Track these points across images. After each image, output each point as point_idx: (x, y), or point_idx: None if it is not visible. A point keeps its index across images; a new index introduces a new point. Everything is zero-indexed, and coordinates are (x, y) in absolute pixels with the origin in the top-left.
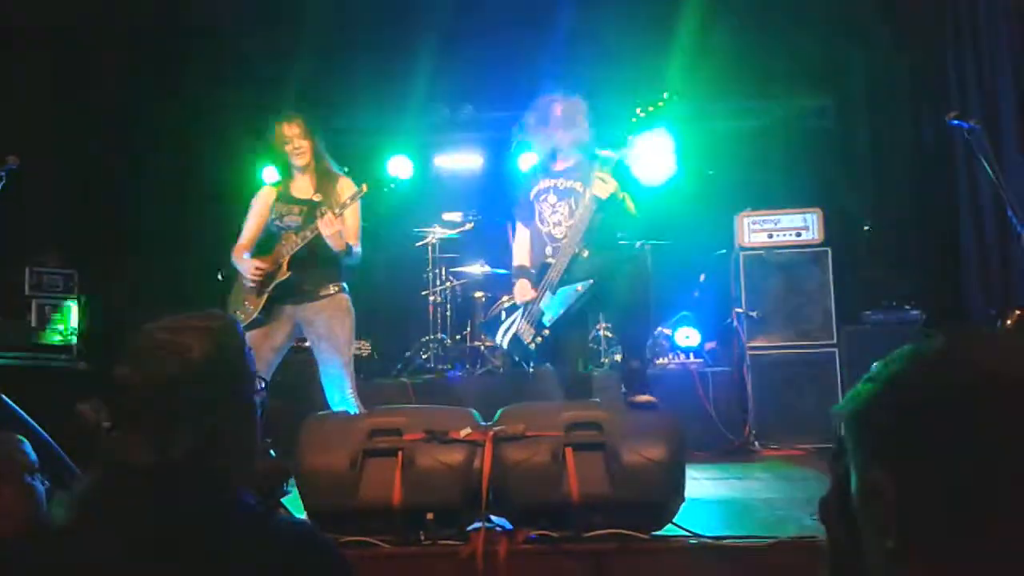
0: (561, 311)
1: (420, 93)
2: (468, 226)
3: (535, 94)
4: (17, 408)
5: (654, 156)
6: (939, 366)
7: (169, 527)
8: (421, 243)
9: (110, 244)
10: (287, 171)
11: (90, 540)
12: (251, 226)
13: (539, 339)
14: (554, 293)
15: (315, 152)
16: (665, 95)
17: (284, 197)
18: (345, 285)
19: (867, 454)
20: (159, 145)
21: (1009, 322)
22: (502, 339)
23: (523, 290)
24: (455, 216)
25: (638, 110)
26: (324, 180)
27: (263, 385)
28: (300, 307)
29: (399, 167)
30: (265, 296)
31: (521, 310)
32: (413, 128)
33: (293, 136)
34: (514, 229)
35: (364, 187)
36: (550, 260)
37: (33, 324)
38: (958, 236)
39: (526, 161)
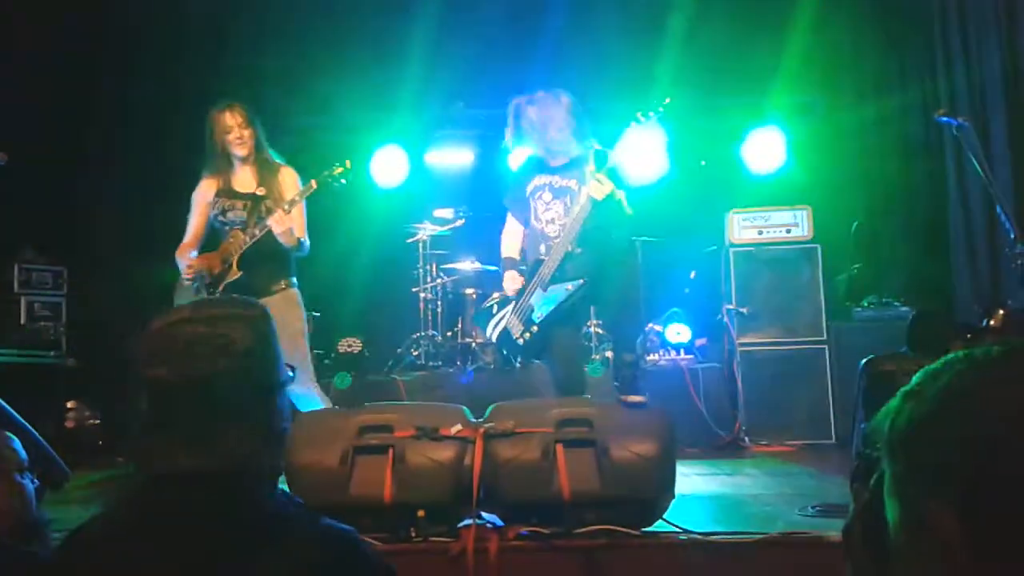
0: (551, 308)
1: (411, 89)
2: (459, 223)
3: (525, 90)
4: (6, 406)
5: (646, 154)
6: (1012, 387)
7: (217, 536)
8: (412, 240)
9: (99, 241)
10: (227, 163)
11: (133, 552)
12: (195, 224)
13: (528, 335)
14: (545, 290)
15: (256, 142)
16: (667, 100)
17: (226, 191)
18: (295, 280)
19: (921, 485)
20: (147, 139)
21: (993, 322)
22: (492, 331)
23: (512, 280)
24: (446, 213)
25: (639, 115)
26: (265, 171)
27: (291, 373)
28: None
29: (391, 166)
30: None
31: (512, 305)
32: (404, 124)
33: (235, 125)
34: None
35: (313, 184)
36: (543, 258)
37: (22, 321)
38: (947, 232)
39: (517, 158)
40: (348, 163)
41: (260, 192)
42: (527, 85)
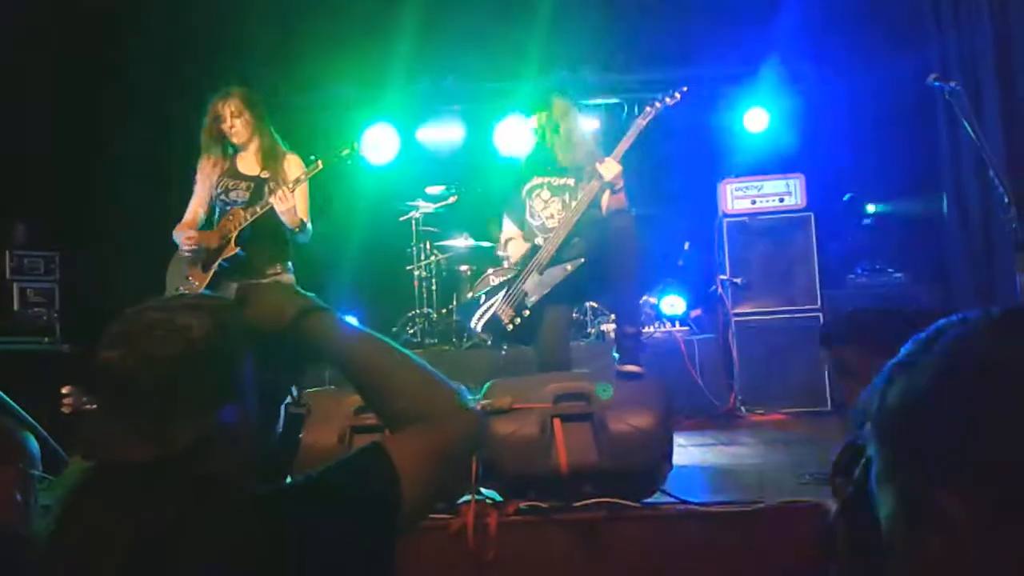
0: (545, 292)
1: (401, 65)
2: (452, 199)
3: (517, 64)
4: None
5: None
6: (1014, 354)
7: (167, 528)
8: (404, 217)
9: (91, 226)
10: (229, 147)
11: (77, 545)
12: (196, 204)
13: (518, 319)
14: (541, 274)
15: (258, 129)
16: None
17: (231, 172)
18: (291, 265)
19: (921, 472)
20: (140, 121)
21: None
22: (477, 323)
23: (519, 247)
24: (438, 190)
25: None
26: (270, 158)
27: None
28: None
29: (382, 143)
30: (211, 272)
31: (503, 292)
32: (394, 100)
33: (228, 115)
34: (501, 224)
35: (319, 164)
36: (540, 243)
37: (15, 307)
38: (940, 198)
39: (504, 141)
40: (355, 144)
41: (264, 175)
42: (518, 59)
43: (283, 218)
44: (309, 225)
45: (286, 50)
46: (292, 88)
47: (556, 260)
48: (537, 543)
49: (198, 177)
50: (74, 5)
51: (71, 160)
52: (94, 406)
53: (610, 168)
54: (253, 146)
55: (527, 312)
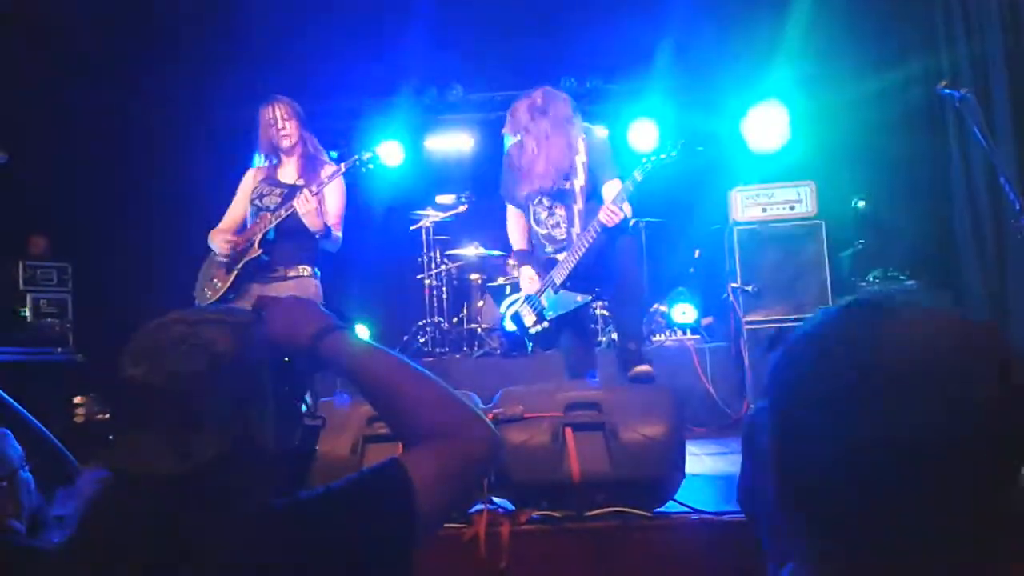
0: (561, 312)
1: (408, 75)
2: (461, 208)
3: (524, 73)
4: (13, 402)
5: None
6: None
7: (191, 541)
8: (415, 227)
9: (104, 236)
10: (274, 156)
11: (98, 555)
12: (233, 211)
13: (539, 327)
14: (556, 292)
15: (301, 136)
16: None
17: (268, 179)
18: (317, 270)
19: (769, 401)
20: (153, 133)
21: None
22: (506, 309)
23: (531, 281)
24: (448, 199)
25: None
26: (309, 166)
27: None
28: (267, 287)
29: (388, 152)
30: (235, 273)
31: (524, 296)
32: (402, 111)
33: (279, 117)
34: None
35: (343, 166)
36: (555, 256)
37: (29, 318)
38: (951, 205)
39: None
40: (377, 150)
41: (300, 183)
42: (525, 69)
43: (305, 220)
44: (337, 232)
45: (294, 59)
46: (301, 97)
47: (568, 285)
48: (549, 552)
49: (241, 185)
50: (87, 19)
51: (84, 171)
52: (108, 416)
53: (614, 219)
54: (297, 152)
55: (546, 324)
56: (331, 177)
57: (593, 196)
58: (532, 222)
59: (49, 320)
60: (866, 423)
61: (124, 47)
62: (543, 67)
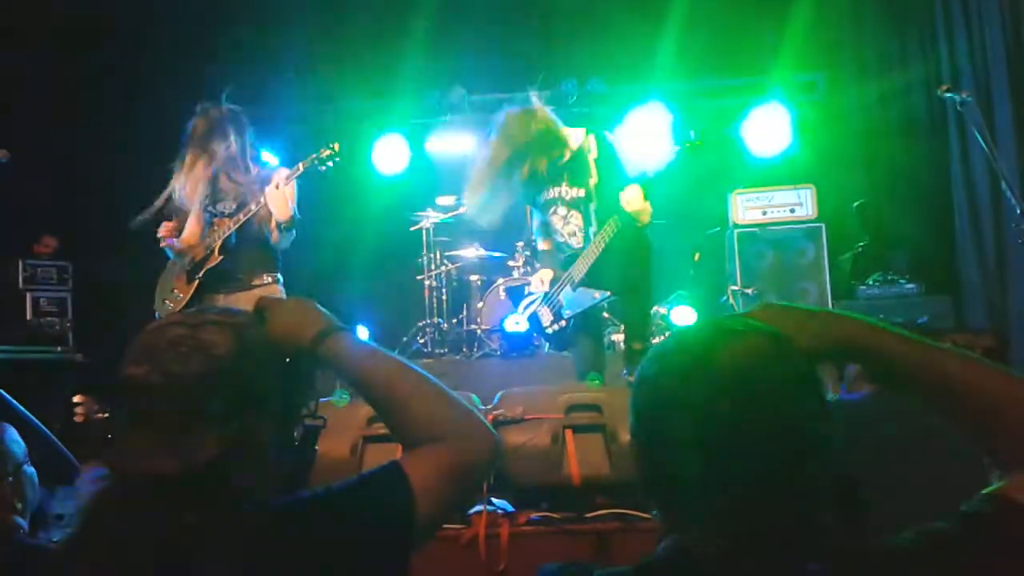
0: (578, 310)
1: (410, 76)
2: (462, 209)
3: (525, 75)
4: (12, 400)
5: (648, 137)
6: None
7: (191, 541)
8: (415, 228)
9: (104, 236)
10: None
11: (100, 555)
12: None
13: (556, 327)
14: (574, 290)
15: (241, 145)
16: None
17: (216, 184)
18: (280, 276)
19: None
20: (152, 131)
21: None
22: (524, 310)
23: (541, 280)
24: (449, 200)
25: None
26: (256, 173)
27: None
28: (231, 297)
29: (390, 157)
30: (196, 283)
31: (542, 295)
32: (404, 112)
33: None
34: (532, 214)
35: (300, 166)
36: (572, 250)
37: (28, 317)
38: (952, 208)
39: None
40: (335, 146)
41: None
42: (527, 70)
43: (273, 210)
44: (292, 229)
45: (296, 61)
46: (301, 98)
47: (586, 282)
48: (549, 554)
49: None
50: (89, 22)
51: (84, 171)
52: (107, 415)
53: (632, 201)
54: (239, 162)
55: (564, 323)
56: (291, 175)
57: (605, 194)
58: (552, 230)
59: (49, 319)
60: (685, 422)
61: (124, 47)
62: (544, 69)
